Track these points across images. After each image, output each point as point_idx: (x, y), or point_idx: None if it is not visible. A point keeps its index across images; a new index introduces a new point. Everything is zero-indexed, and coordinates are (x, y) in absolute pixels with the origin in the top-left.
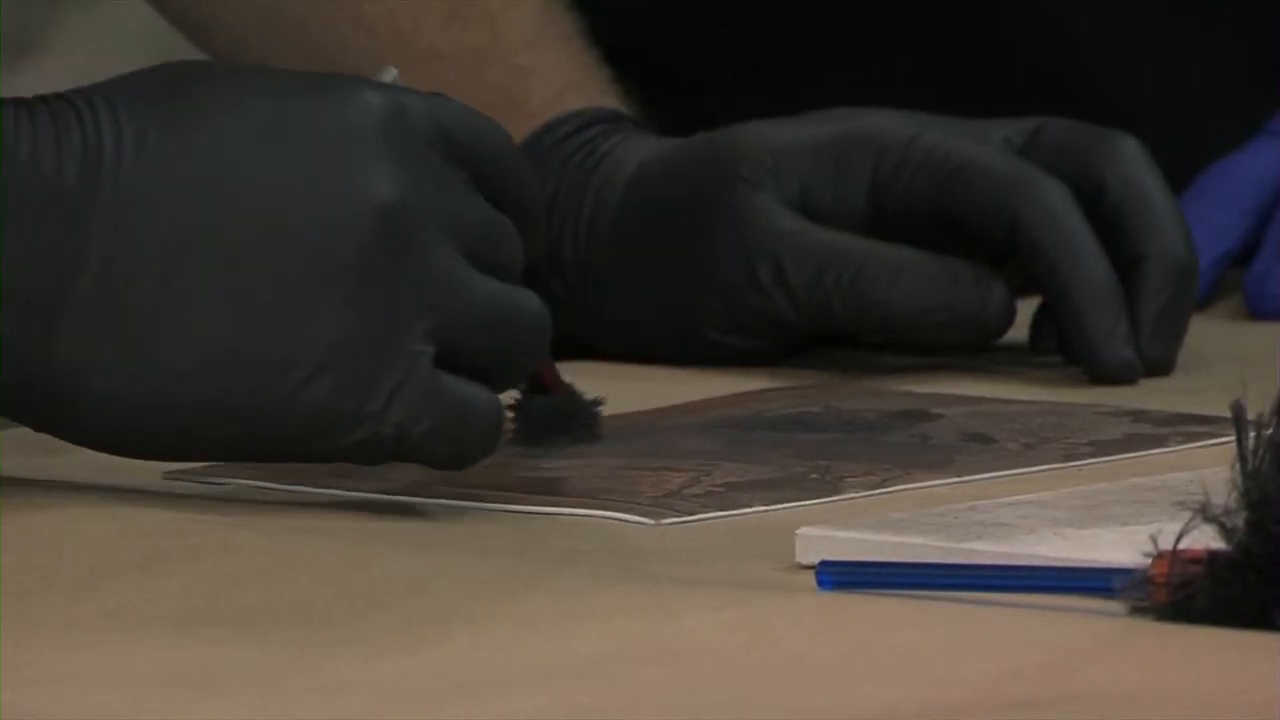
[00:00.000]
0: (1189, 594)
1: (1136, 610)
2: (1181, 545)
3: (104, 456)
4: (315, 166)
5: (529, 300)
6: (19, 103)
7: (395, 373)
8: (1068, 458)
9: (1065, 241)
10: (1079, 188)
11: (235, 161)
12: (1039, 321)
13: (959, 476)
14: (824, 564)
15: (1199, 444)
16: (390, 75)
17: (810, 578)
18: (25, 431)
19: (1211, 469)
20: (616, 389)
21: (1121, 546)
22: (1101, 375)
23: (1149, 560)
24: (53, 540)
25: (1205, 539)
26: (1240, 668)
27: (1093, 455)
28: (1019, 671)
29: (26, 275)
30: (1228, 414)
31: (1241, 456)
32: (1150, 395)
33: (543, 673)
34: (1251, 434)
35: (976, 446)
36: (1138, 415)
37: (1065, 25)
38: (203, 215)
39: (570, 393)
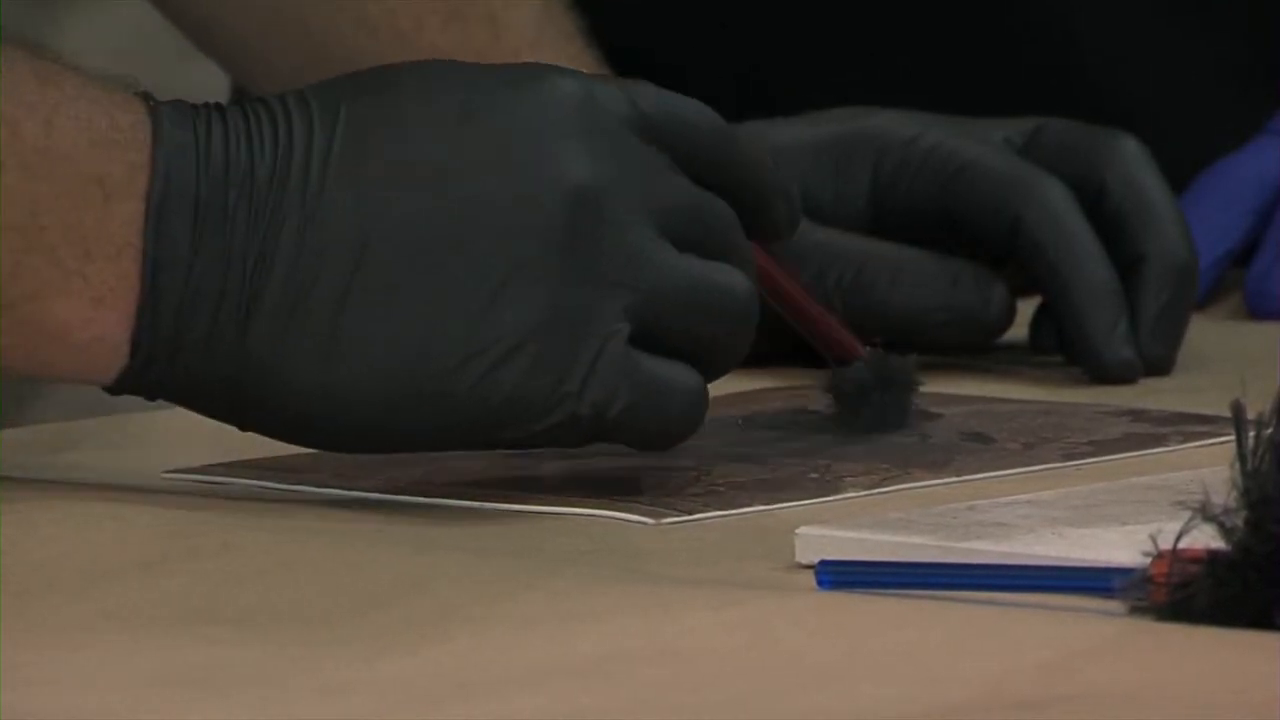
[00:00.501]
0: (1189, 594)
1: (1136, 610)
2: (1181, 545)
3: (103, 458)
4: (506, 152)
5: (732, 279)
6: (212, 105)
7: (590, 352)
8: (1067, 457)
9: (1066, 242)
10: (1079, 188)
11: (425, 151)
12: (1039, 321)
13: (958, 476)
14: (823, 563)
15: (1199, 443)
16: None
17: (810, 577)
18: (26, 432)
19: (1211, 468)
20: None
21: (1121, 546)
22: (1101, 375)
23: (1149, 560)
24: (53, 540)
25: (1205, 538)
26: (1240, 667)
27: (1092, 455)
28: (1018, 671)
29: (219, 273)
30: (1227, 413)
31: (1241, 456)
32: (1150, 395)
33: (543, 673)
34: (1251, 433)
35: (976, 446)
36: (1137, 415)
37: (1065, 25)
38: (392, 205)
39: (879, 355)
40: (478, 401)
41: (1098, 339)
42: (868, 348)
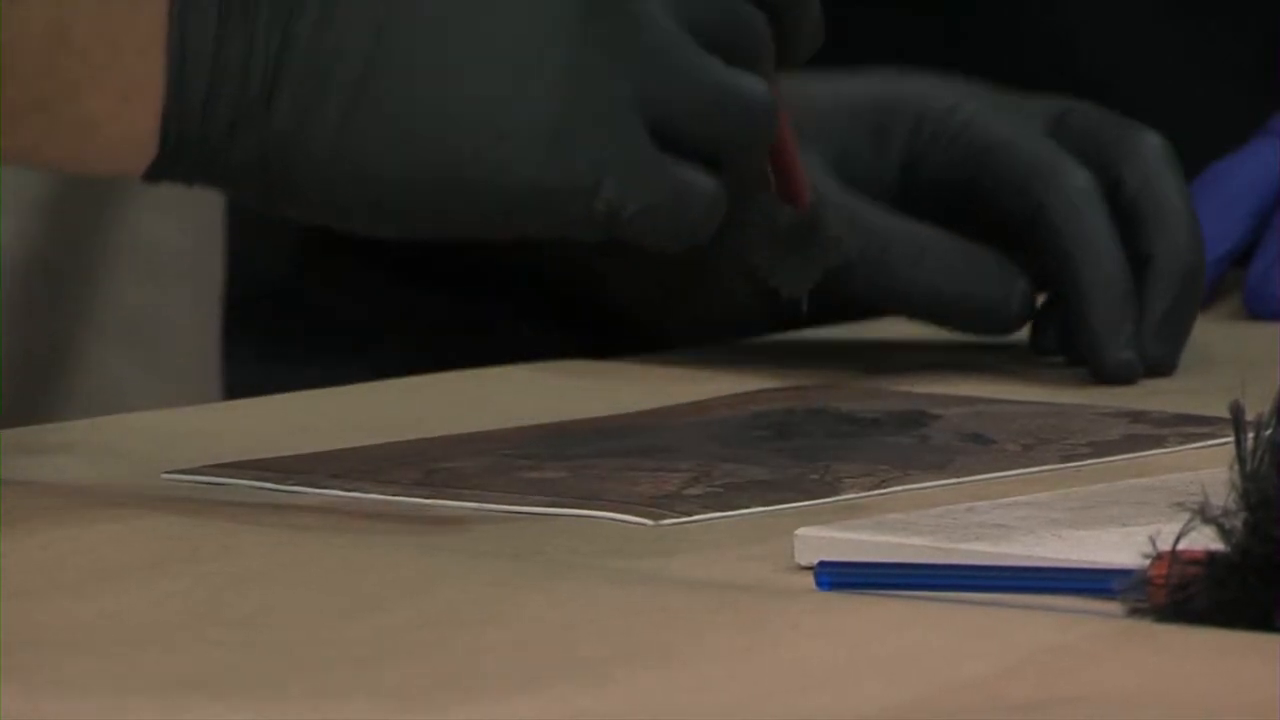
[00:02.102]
0: (1188, 595)
1: (1135, 611)
2: (1180, 546)
3: (103, 458)
4: None
5: (756, 87)
6: None
7: (608, 149)
8: (1066, 459)
9: (1085, 236)
10: (1098, 176)
11: None
12: (1042, 323)
13: (957, 477)
14: (823, 565)
15: (1198, 445)
16: None
17: (809, 578)
18: (26, 433)
19: (1210, 470)
20: (615, 390)
21: (1120, 548)
22: (1101, 374)
23: (1148, 561)
24: (53, 541)
25: (1204, 540)
26: (1239, 669)
27: (1091, 456)
28: (1017, 672)
29: (243, 57)
30: (1227, 415)
31: (1240, 458)
32: (1150, 396)
33: (543, 675)
34: (1250, 435)
35: (975, 447)
36: (1137, 416)
37: (1066, 26)
38: None
39: (817, 209)
40: (494, 187)
41: (1102, 337)
42: (814, 198)
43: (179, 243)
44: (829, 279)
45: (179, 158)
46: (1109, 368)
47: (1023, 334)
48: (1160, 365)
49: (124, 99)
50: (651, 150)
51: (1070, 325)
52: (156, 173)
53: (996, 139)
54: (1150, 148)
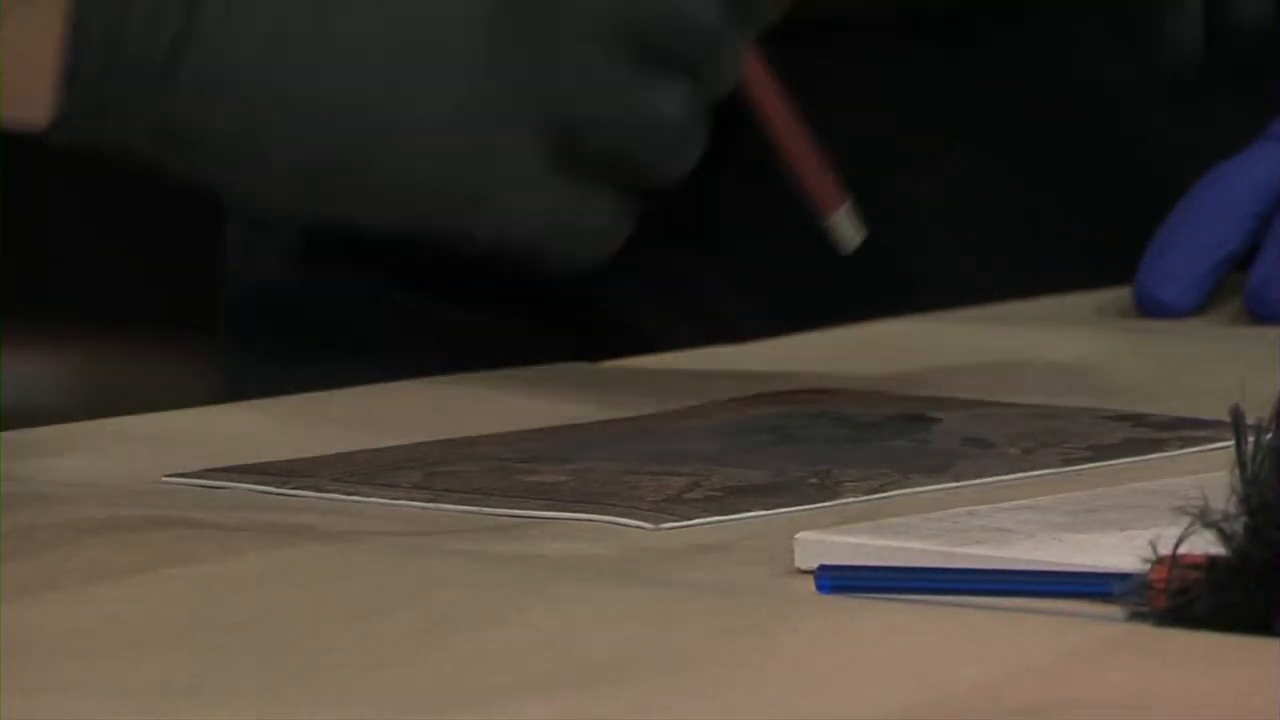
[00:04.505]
0: (1188, 599)
1: (1135, 615)
2: (1181, 550)
3: (103, 460)
4: None
5: (669, 107)
6: None
7: (502, 165)
8: (1066, 462)
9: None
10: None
11: None
12: None
13: (958, 481)
14: (823, 568)
15: (1198, 449)
16: None
17: (809, 582)
18: (25, 435)
19: (1211, 474)
20: (614, 395)
21: (1120, 551)
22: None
23: (1148, 565)
24: (51, 544)
25: (1204, 544)
26: (1239, 673)
27: (1092, 460)
28: (1018, 676)
29: (146, 33)
30: (1227, 419)
31: (1241, 462)
32: (1150, 400)
33: (542, 679)
34: (1251, 439)
35: (975, 451)
36: (1137, 420)
37: (1065, 28)
38: None
39: None
40: (386, 188)
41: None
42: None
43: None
44: None
45: (71, 127)
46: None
47: (1024, 335)
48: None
49: (17, 60)
50: (546, 171)
51: None
52: (51, 135)
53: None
54: None
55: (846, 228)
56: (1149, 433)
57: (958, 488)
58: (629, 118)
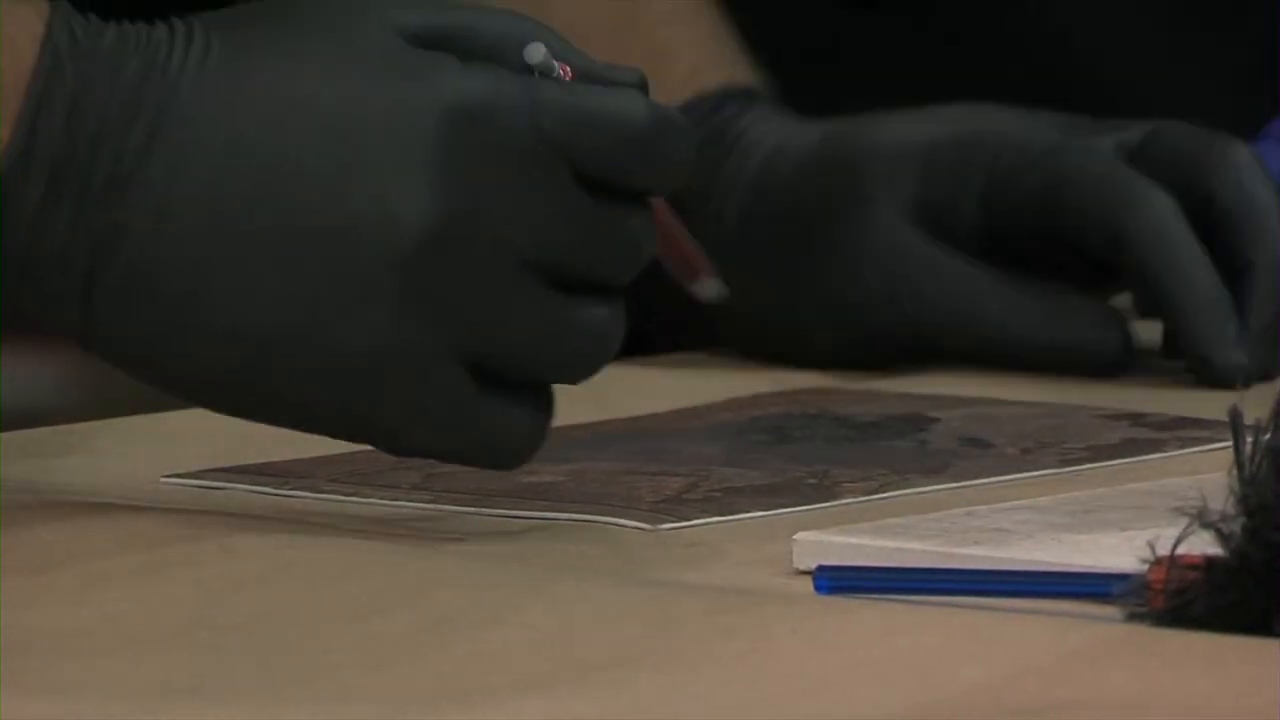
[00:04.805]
0: (1186, 600)
1: (1134, 616)
2: (1179, 551)
3: (102, 462)
4: (370, 169)
5: (591, 317)
6: (114, 26)
7: (419, 392)
8: (1065, 463)
9: (1170, 253)
10: (1189, 192)
11: (286, 153)
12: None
13: (956, 482)
14: (821, 569)
15: (1197, 449)
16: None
17: (808, 583)
18: (25, 436)
19: (1209, 474)
20: (612, 395)
21: (1119, 552)
22: (1212, 379)
23: (1146, 566)
24: (51, 545)
25: (1203, 545)
26: (1237, 674)
27: (1090, 460)
28: (1016, 676)
29: (68, 236)
30: (1226, 419)
31: (1239, 462)
32: (1149, 400)
33: (541, 680)
34: (1249, 440)
35: (974, 451)
36: (1136, 420)
37: (1066, 32)
38: (245, 205)
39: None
40: (305, 417)
41: (1207, 345)
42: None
43: None
44: (922, 333)
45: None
46: (1219, 374)
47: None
48: (1266, 369)
49: None
50: (467, 394)
51: (1178, 339)
52: None
53: (1073, 169)
54: (1239, 158)
55: (710, 288)
56: (1147, 433)
57: (956, 488)
58: (550, 343)
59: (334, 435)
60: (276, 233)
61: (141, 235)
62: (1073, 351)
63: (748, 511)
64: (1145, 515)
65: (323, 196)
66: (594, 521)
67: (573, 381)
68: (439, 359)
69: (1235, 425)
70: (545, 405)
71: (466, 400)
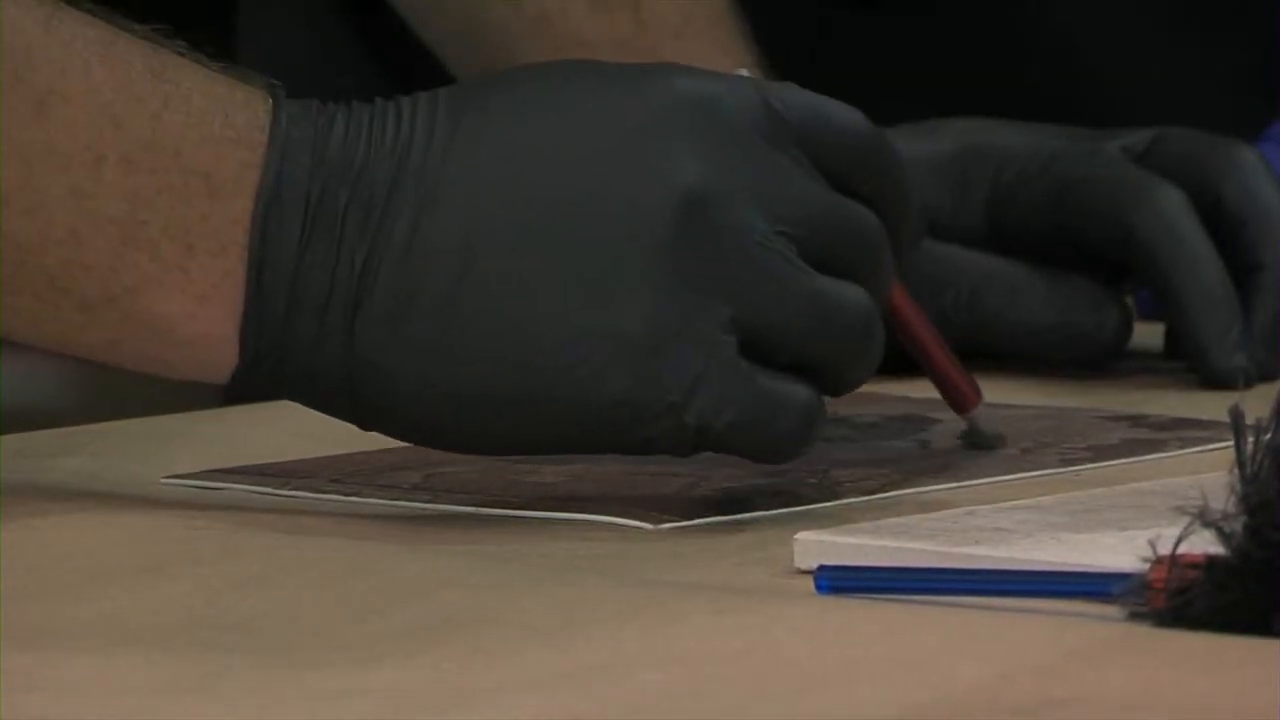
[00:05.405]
0: (1187, 599)
1: (1135, 615)
2: (1180, 550)
3: (102, 463)
4: (617, 152)
5: (849, 297)
6: (339, 104)
7: (697, 362)
8: (1065, 463)
9: (1179, 248)
10: (1197, 196)
11: (537, 151)
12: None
13: (956, 482)
14: (822, 569)
15: (1198, 449)
16: (743, 74)
17: (808, 582)
18: (26, 437)
19: (1210, 474)
20: None
21: (1120, 551)
22: (1212, 379)
23: (1147, 565)
24: (53, 545)
25: (1204, 544)
26: (1238, 673)
27: (1091, 460)
28: (1017, 676)
29: (327, 274)
30: (1227, 419)
31: (1240, 462)
32: (1149, 400)
33: (541, 679)
34: (1250, 439)
35: (974, 451)
36: (1136, 420)
37: (1066, 35)
38: (503, 207)
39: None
40: (583, 407)
41: (1209, 344)
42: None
43: None
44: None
45: (258, 367)
46: (1220, 373)
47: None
48: (1270, 370)
49: (199, 300)
50: (743, 365)
51: (1179, 337)
52: (238, 382)
53: (1082, 171)
54: (1247, 161)
55: (981, 424)
56: (1148, 433)
57: (956, 488)
58: (814, 320)
59: (606, 439)
60: (541, 223)
61: (401, 251)
62: (1071, 332)
63: (749, 511)
64: (1145, 515)
65: (585, 181)
66: (594, 521)
67: (848, 370)
68: (715, 328)
69: (1236, 424)
70: (818, 389)
71: (745, 371)
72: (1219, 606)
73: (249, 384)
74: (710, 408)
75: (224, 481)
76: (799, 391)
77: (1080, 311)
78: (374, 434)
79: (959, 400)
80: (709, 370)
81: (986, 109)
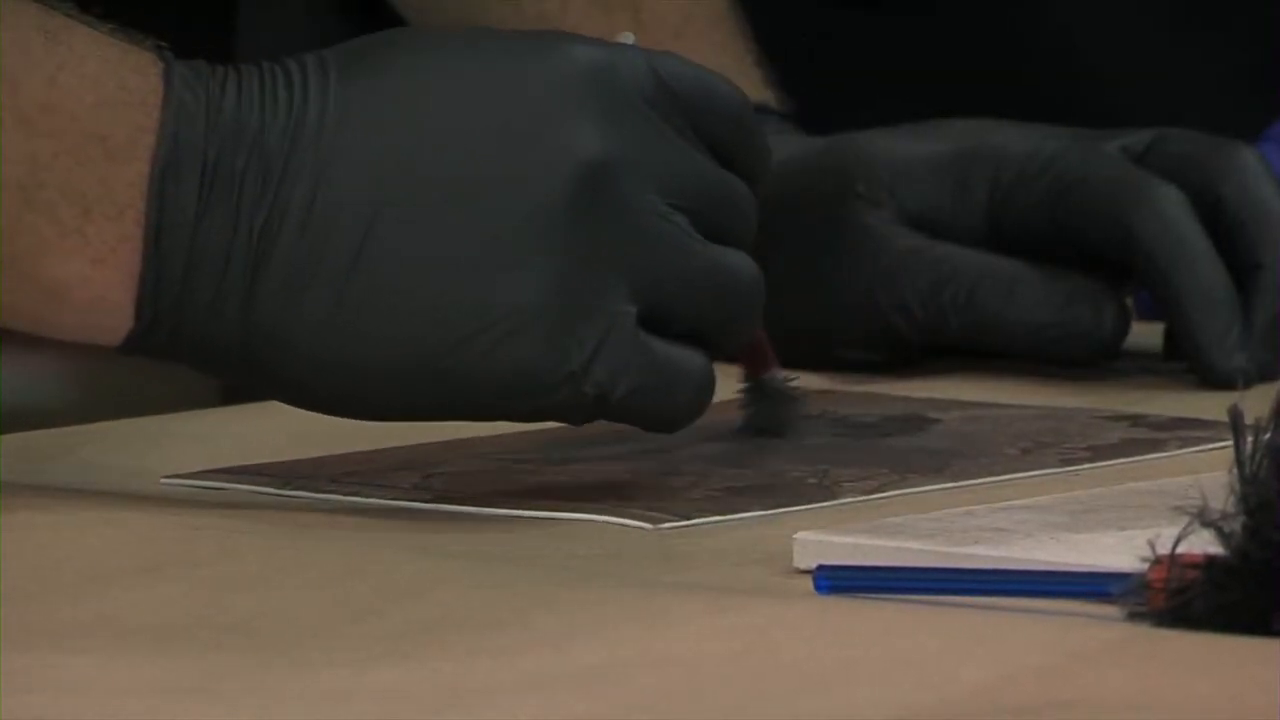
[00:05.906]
0: (1186, 599)
1: (1134, 615)
2: (1179, 550)
3: (102, 463)
4: (516, 123)
5: (741, 263)
6: (229, 66)
7: (597, 331)
8: (1065, 463)
9: (1178, 248)
10: (1197, 197)
11: (436, 121)
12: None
13: (956, 481)
14: (821, 568)
15: (1197, 449)
16: (628, 40)
17: (808, 582)
18: (26, 437)
19: (1209, 474)
20: None
21: (1119, 551)
22: (1212, 380)
23: (1147, 565)
24: (52, 545)
25: (1203, 544)
26: (1238, 673)
27: (1090, 460)
28: (1016, 676)
29: (225, 237)
30: (1226, 419)
31: (1240, 461)
32: (1149, 400)
33: (540, 679)
34: (1250, 439)
35: (974, 451)
36: (1135, 420)
37: (1066, 35)
38: (400, 179)
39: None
40: (483, 375)
41: (1209, 344)
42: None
43: None
44: (930, 328)
45: (154, 332)
46: (1220, 373)
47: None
48: (1268, 370)
49: (95, 264)
50: (640, 334)
51: (1177, 337)
52: (130, 345)
53: (1082, 172)
54: (1245, 161)
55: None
56: (1147, 433)
57: (956, 488)
58: (706, 287)
59: (504, 408)
60: (440, 193)
61: (299, 218)
62: (1069, 330)
63: (748, 510)
64: (1145, 515)
65: (482, 153)
66: (594, 521)
67: (734, 337)
68: (615, 299)
69: (1235, 423)
70: (708, 356)
71: (643, 341)
72: (1218, 606)
73: (145, 349)
74: (608, 378)
75: (223, 481)
76: (694, 359)
77: (1078, 309)
78: (374, 434)
79: (759, 363)
80: (607, 340)
81: (986, 109)
